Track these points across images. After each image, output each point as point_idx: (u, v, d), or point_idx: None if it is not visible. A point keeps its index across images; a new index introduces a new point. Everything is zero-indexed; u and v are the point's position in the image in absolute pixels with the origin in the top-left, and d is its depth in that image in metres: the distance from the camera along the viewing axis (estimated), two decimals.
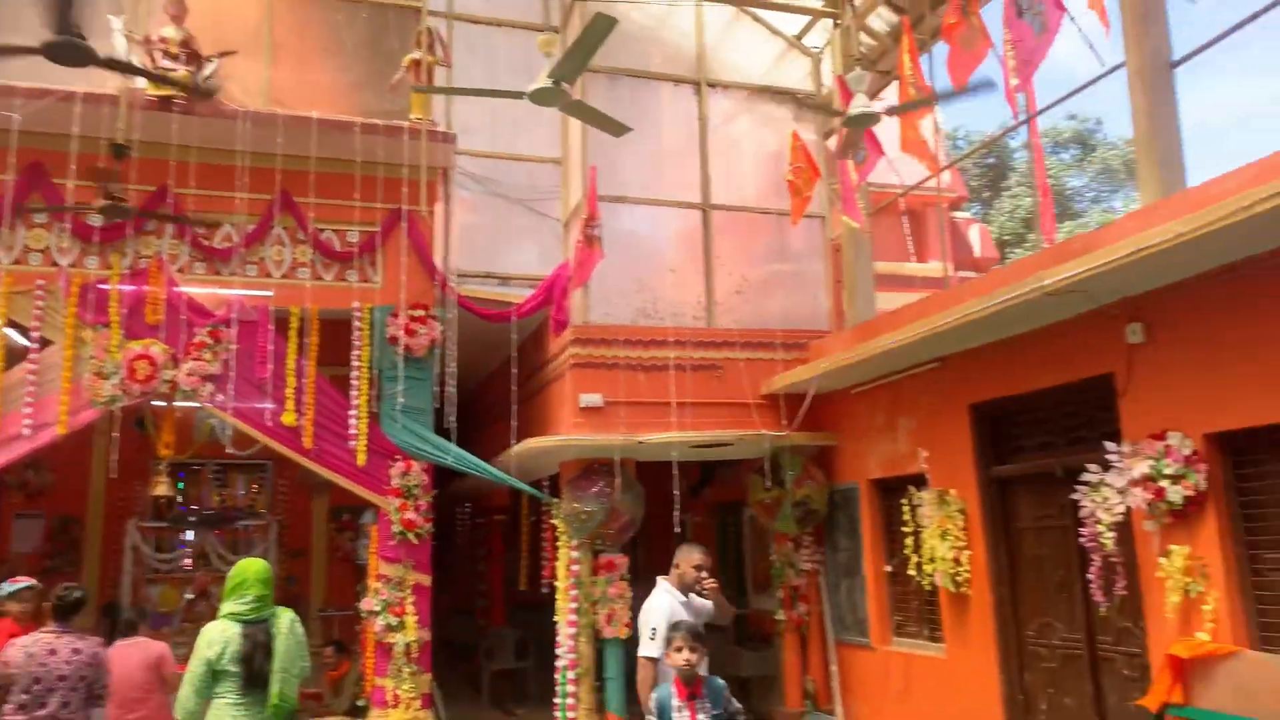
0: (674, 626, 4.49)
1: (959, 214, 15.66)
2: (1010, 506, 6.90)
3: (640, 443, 8.25)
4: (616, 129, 6.24)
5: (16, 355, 8.11)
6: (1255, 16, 5.73)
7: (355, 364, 8.82)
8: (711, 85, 9.92)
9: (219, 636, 4.61)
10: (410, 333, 8.88)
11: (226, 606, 4.73)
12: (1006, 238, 25.81)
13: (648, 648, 4.87)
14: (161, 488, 8.52)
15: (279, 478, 11.91)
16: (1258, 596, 5.14)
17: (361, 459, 8.69)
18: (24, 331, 8.14)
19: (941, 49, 7.23)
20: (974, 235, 16.76)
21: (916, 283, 12.45)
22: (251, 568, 4.82)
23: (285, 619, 4.79)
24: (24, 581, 6.25)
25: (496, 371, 11.86)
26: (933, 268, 13.85)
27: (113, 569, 10.30)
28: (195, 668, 4.55)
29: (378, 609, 8.49)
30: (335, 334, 8.98)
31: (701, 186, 9.37)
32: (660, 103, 9.78)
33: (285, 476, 11.85)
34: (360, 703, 9.20)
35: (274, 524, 11.10)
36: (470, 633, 13.84)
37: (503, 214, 9.91)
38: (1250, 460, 5.22)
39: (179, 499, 11.41)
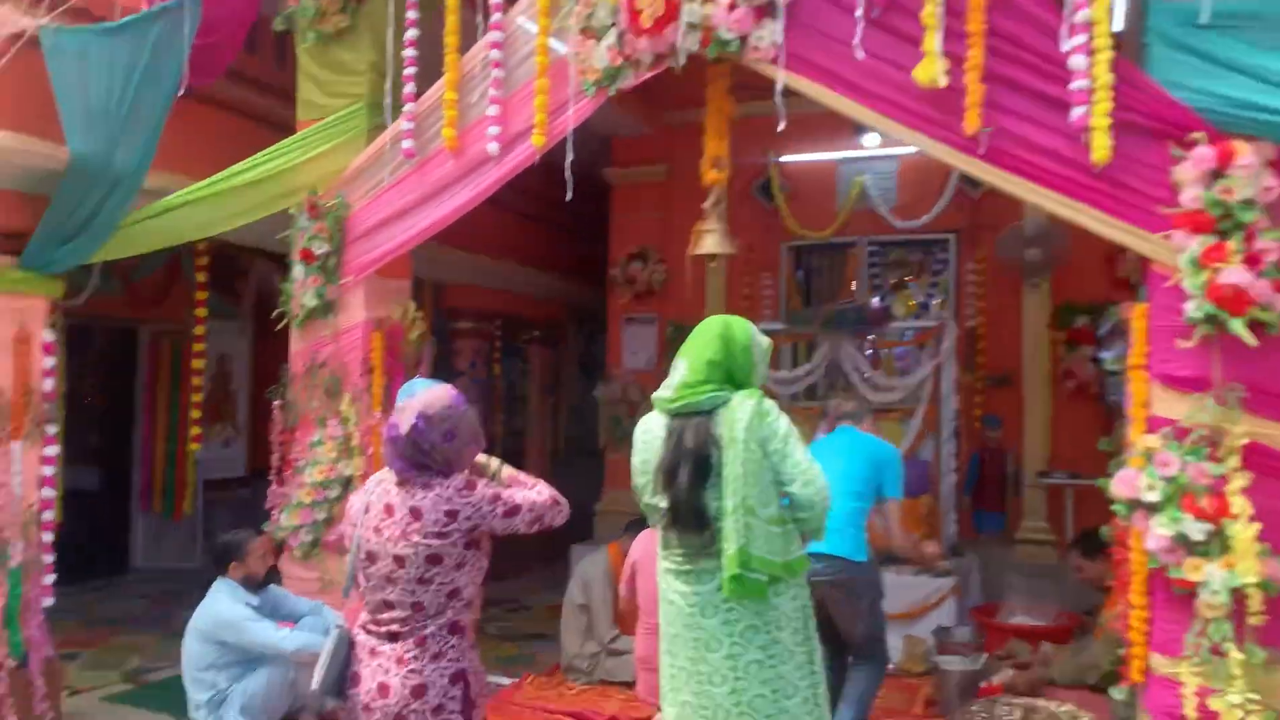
0: None
1: None
2: None
3: None
4: None
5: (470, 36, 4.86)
6: None
7: None
8: None
9: (639, 441, 2.86)
10: None
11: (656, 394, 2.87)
12: None
13: None
14: (708, 242, 4.60)
15: (966, 259, 7.42)
16: None
17: (1101, 150, 3.61)
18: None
19: None
20: None
21: None
22: (703, 330, 2.79)
23: (744, 408, 2.60)
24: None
25: None
26: None
27: None
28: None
29: (1149, 494, 3.53)
30: None
31: None
32: None
33: (978, 256, 7.32)
34: (1112, 685, 4.38)
35: (952, 329, 6.62)
36: None
37: None
38: None
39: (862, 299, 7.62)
